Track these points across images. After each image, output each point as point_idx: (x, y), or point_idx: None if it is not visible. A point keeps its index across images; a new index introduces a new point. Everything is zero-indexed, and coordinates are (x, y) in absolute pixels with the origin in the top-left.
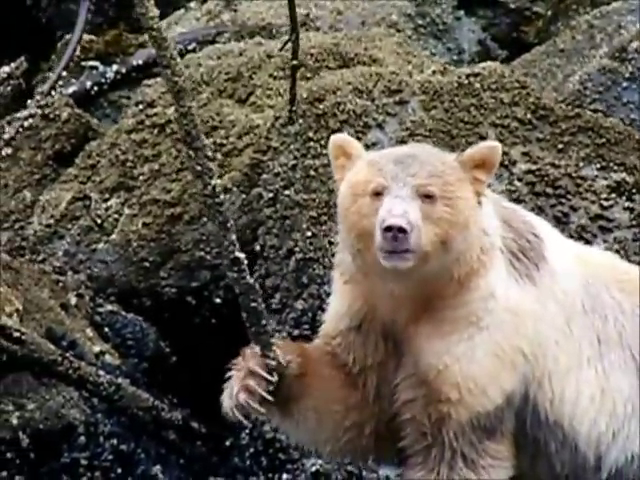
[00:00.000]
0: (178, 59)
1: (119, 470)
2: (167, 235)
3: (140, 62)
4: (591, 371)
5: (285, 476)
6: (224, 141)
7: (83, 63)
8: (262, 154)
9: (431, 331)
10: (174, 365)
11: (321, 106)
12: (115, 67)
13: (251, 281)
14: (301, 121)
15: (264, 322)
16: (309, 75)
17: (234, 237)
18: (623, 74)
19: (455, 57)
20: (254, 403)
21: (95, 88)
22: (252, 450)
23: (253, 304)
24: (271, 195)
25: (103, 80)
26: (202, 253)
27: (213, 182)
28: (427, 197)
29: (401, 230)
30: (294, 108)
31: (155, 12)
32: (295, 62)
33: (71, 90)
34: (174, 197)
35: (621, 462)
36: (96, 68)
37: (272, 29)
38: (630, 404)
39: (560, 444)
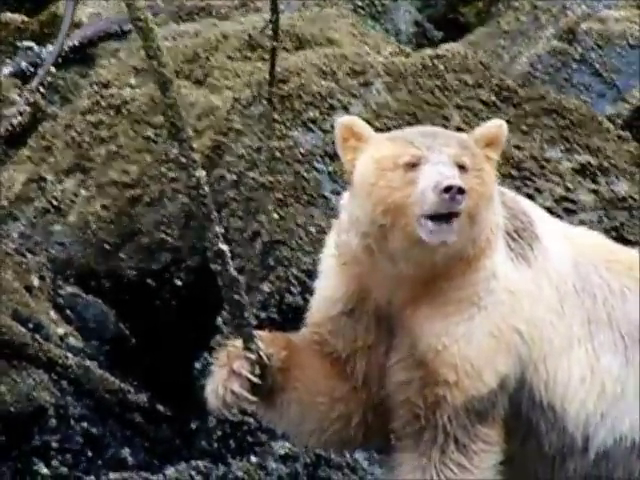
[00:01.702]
0: (165, 51)
1: (89, 453)
2: (127, 217)
3: (76, 43)
4: (581, 352)
5: (253, 459)
6: None
7: (18, 43)
8: (223, 136)
9: (432, 312)
10: (135, 347)
11: (285, 88)
12: (50, 48)
13: (235, 273)
14: (265, 102)
15: (247, 314)
16: (266, 56)
17: (218, 229)
18: (573, 55)
19: (393, 39)
20: (240, 402)
21: (31, 69)
22: (220, 433)
23: (236, 296)
24: (234, 177)
25: (39, 60)
26: (163, 235)
27: (197, 174)
28: (461, 167)
29: (460, 191)
30: (272, 89)
31: (142, 3)
32: (275, 43)
33: (7, 71)
34: (133, 179)
35: (609, 443)
36: (31, 49)
37: (211, 10)
38: (619, 385)
39: (550, 425)
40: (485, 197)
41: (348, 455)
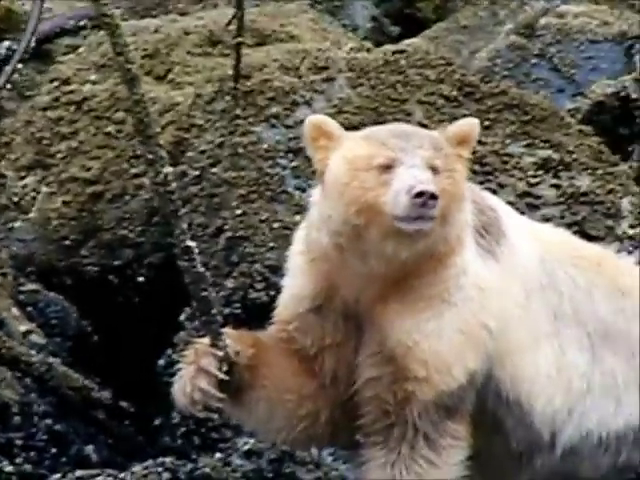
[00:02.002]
0: (131, 47)
1: (53, 450)
2: (88, 213)
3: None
4: (548, 348)
5: (218, 455)
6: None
7: None
8: (185, 132)
9: (402, 308)
10: (97, 344)
11: (248, 83)
12: (7, 44)
13: (202, 270)
14: (227, 98)
15: (214, 311)
16: (227, 52)
17: (185, 226)
18: (532, 51)
19: (350, 34)
20: (208, 400)
21: None
22: (184, 429)
23: (204, 293)
24: (197, 173)
25: None
26: (125, 231)
27: (165, 170)
28: (433, 169)
29: (433, 197)
30: (237, 85)
31: None
32: (240, 39)
33: None
34: (94, 175)
35: (576, 439)
36: None
37: (168, 6)
38: (585, 381)
39: (517, 421)
40: (457, 198)
41: (313, 451)
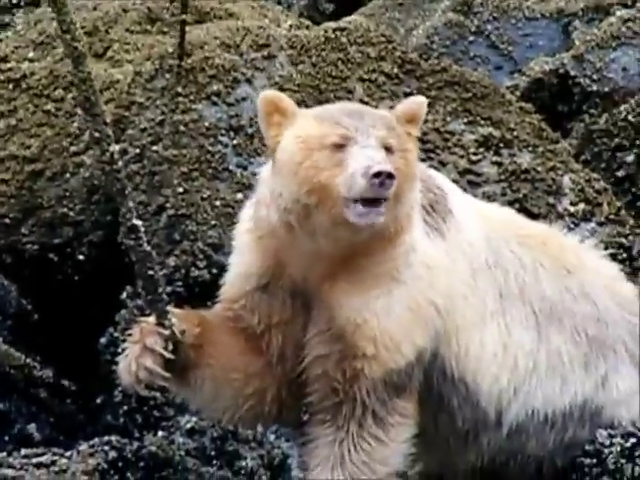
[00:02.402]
0: (77, 24)
1: None
2: (28, 191)
3: None
4: (494, 326)
5: (160, 433)
6: None
7: None
8: (125, 109)
9: (351, 287)
10: (38, 322)
11: (189, 61)
12: None
13: (148, 249)
14: (168, 76)
15: (160, 290)
16: (166, 29)
17: (132, 204)
18: (469, 28)
19: (286, 11)
20: (153, 379)
21: None
22: (126, 408)
23: (150, 272)
24: (137, 151)
25: None
26: (65, 209)
27: (111, 148)
28: (387, 149)
29: (390, 176)
30: (181, 63)
31: None
32: (184, 16)
33: None
34: (34, 153)
35: (522, 417)
36: None
37: None
38: (531, 359)
39: (463, 399)
40: (410, 177)
41: (256, 430)
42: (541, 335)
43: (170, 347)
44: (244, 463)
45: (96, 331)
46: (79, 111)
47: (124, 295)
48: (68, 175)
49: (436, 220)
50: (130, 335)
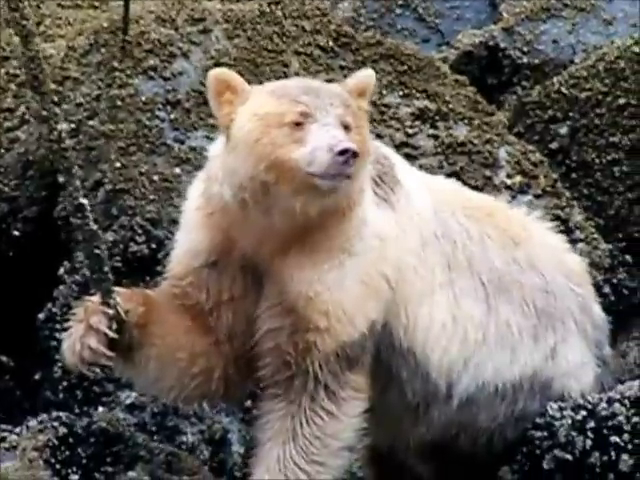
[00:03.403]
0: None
1: None
2: None
3: None
4: (443, 298)
5: (100, 409)
6: (17, 71)
7: None
8: (59, 84)
9: (302, 260)
10: None
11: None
12: None
13: (95, 227)
14: (103, 50)
15: (106, 269)
16: (96, 4)
17: (78, 183)
18: (396, 1)
19: None
20: (97, 358)
21: None
22: (65, 384)
23: (96, 251)
24: (73, 126)
25: None
26: (0, 185)
27: (59, 127)
28: (345, 127)
29: (355, 154)
30: (126, 37)
31: None
32: None
33: None
34: None
35: (472, 389)
36: None
37: None
38: (481, 331)
39: (412, 372)
40: (365, 154)
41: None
42: (490, 306)
43: (114, 326)
44: (185, 438)
45: (34, 307)
46: (12, 86)
47: (62, 271)
48: (2, 151)
49: (385, 191)
50: (74, 314)
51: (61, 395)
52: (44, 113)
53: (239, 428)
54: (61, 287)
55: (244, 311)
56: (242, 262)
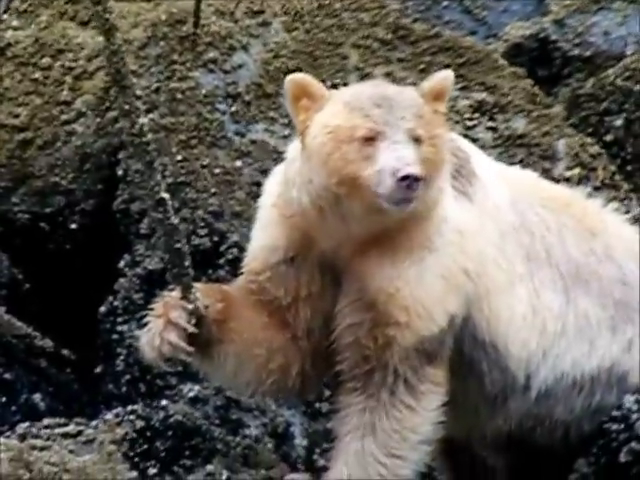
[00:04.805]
0: None
1: (3, 399)
2: (19, 160)
3: None
4: (523, 289)
5: (164, 402)
6: (73, 64)
7: None
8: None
9: (382, 258)
10: (29, 292)
11: (184, 28)
12: None
13: (176, 222)
14: (162, 43)
15: (187, 264)
16: None
17: (159, 177)
18: None
19: None
20: (177, 353)
21: None
22: (128, 377)
23: (177, 245)
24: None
25: None
26: (57, 178)
27: (141, 121)
28: (416, 140)
29: (417, 179)
30: (197, 31)
31: None
32: None
33: None
34: (23, 122)
35: (550, 381)
36: None
37: None
38: (560, 322)
39: (492, 364)
40: (439, 163)
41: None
42: (569, 298)
43: (194, 321)
44: (248, 432)
45: (95, 300)
46: (68, 79)
47: (122, 264)
48: (59, 144)
49: (463, 184)
50: (152, 309)
51: (124, 389)
52: (126, 107)
53: (301, 421)
54: (122, 280)
55: (322, 307)
56: (321, 260)
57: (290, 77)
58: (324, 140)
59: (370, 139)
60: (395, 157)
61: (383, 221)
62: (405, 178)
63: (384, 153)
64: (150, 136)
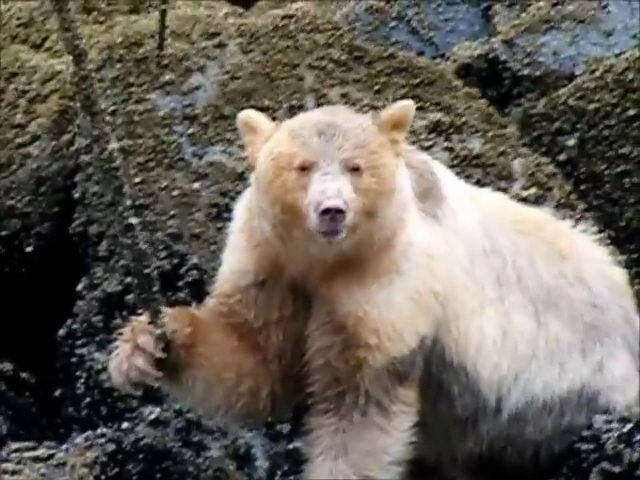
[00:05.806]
0: (78, 22)
1: None
2: None
3: None
4: (493, 313)
5: (125, 424)
6: (27, 87)
7: None
8: (70, 99)
9: (350, 283)
10: None
11: (140, 50)
12: None
13: (144, 247)
14: (119, 66)
15: (155, 289)
16: (102, 19)
17: (129, 203)
18: (390, 13)
19: None
20: (145, 378)
21: None
22: (89, 400)
23: (145, 270)
24: (88, 141)
25: None
26: (12, 201)
27: (110, 147)
28: (354, 170)
29: (339, 211)
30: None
31: None
32: (165, 6)
33: None
34: None
35: (521, 404)
36: None
37: None
38: (531, 346)
39: (462, 387)
40: (384, 194)
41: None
42: (540, 322)
43: (161, 346)
44: (209, 453)
45: (53, 323)
46: (22, 102)
47: (80, 287)
48: (14, 167)
49: (431, 206)
50: (121, 334)
51: (84, 412)
52: (95, 132)
53: (263, 443)
54: (80, 303)
55: (294, 330)
56: (291, 283)
57: (239, 115)
58: (267, 167)
59: (305, 169)
60: (319, 190)
61: (331, 250)
62: (327, 211)
63: (313, 185)
64: (119, 161)
